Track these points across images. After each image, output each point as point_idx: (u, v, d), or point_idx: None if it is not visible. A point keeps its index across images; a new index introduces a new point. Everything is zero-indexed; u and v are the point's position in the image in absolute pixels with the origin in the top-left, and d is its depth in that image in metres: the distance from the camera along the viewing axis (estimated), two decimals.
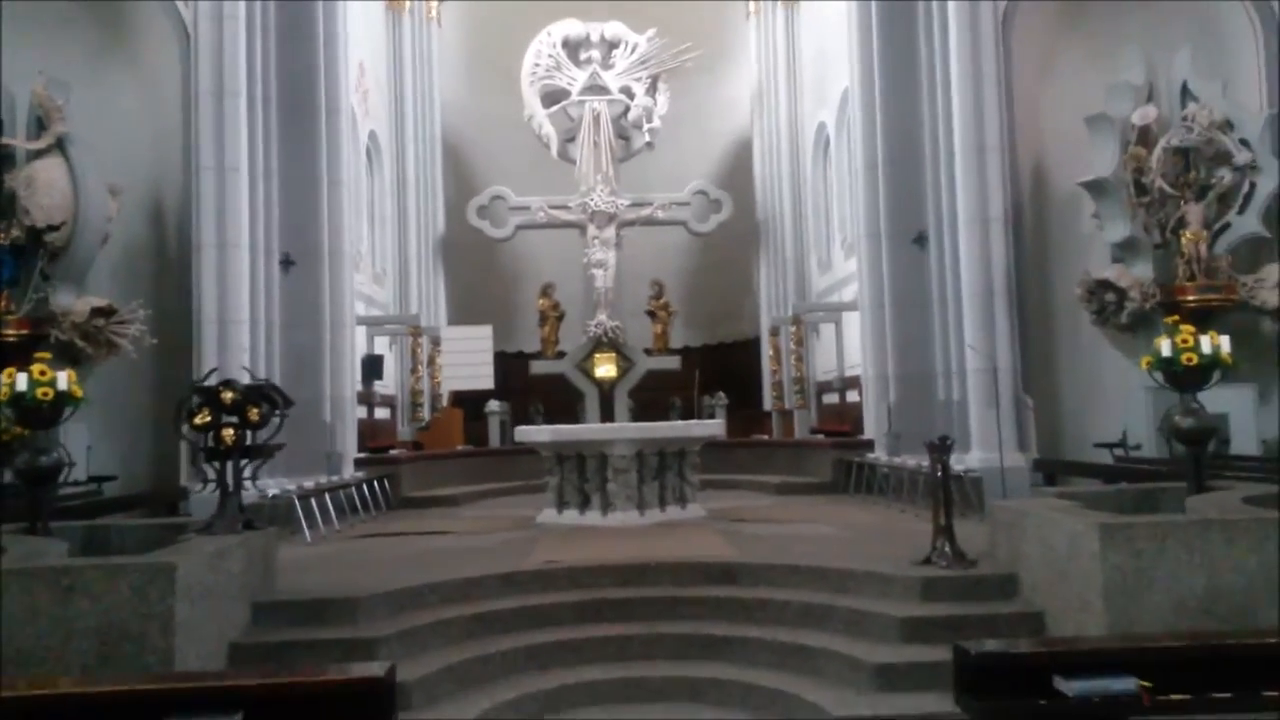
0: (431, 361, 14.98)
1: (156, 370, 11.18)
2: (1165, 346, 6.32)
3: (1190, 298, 11.01)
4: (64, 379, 5.87)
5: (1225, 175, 11.17)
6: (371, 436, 13.26)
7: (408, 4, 16.58)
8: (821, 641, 5.28)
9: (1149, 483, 7.19)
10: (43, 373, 5.88)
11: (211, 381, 6.15)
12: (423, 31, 16.72)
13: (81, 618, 4.45)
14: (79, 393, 5.99)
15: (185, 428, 5.86)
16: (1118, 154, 11.28)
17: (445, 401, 15.28)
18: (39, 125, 10.92)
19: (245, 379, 6.71)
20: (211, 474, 5.89)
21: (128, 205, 11.29)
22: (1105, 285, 11.10)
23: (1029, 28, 12.13)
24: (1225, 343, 6.43)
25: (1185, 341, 6.23)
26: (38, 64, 10.94)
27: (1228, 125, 11.20)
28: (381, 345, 15.03)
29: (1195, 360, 6.22)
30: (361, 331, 13.60)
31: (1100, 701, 2.50)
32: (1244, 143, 11.13)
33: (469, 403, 15.76)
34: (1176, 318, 7.25)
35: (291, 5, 11.58)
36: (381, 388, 14.79)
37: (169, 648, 4.41)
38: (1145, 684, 2.55)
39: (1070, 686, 2.55)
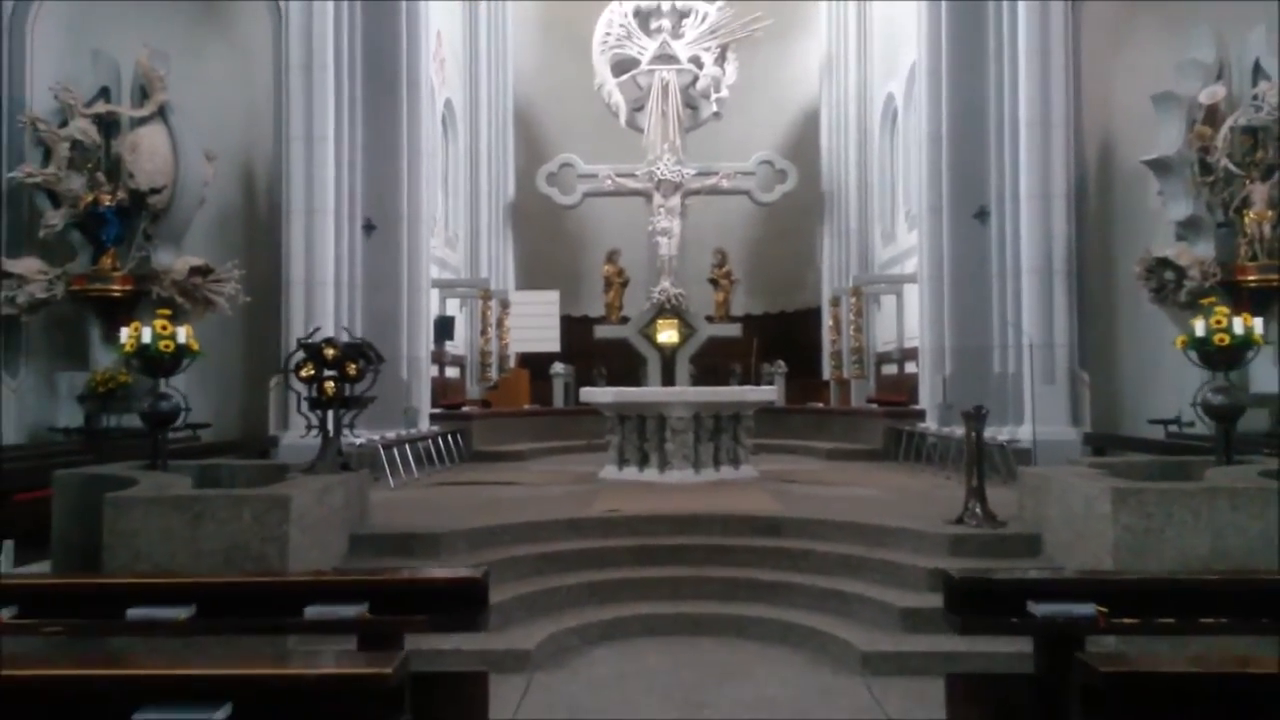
0: (500, 323, 15.77)
1: (246, 327, 12.11)
2: (1199, 327, 6.70)
3: (1251, 277, 11.14)
4: (183, 333, 6.70)
5: None
6: (442, 394, 14.12)
7: None
8: (856, 588, 5.91)
9: (1187, 456, 7.58)
10: (164, 327, 6.71)
11: (315, 339, 6.95)
12: (498, 3, 17.34)
13: (209, 539, 5.27)
14: (195, 346, 6.82)
15: (293, 378, 6.66)
16: (1183, 132, 11.42)
17: (513, 362, 16.08)
18: (142, 94, 11.87)
19: (345, 337, 7.46)
20: (314, 421, 6.70)
21: (221, 171, 12.20)
22: (1165, 263, 11.28)
23: (1102, 3, 12.27)
24: (1259, 324, 6.78)
25: (1219, 322, 6.60)
26: (140, 36, 11.87)
27: None
28: (452, 307, 15.87)
29: (1228, 340, 6.59)
30: (434, 294, 14.43)
31: (1063, 622, 3.08)
32: None
33: (535, 364, 16.58)
34: (1213, 299, 7.58)
35: None
36: (452, 348, 15.64)
37: (284, 568, 5.21)
38: (1103, 609, 3.12)
39: (1039, 609, 3.13)
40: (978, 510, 6.42)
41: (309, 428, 6.77)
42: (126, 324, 11.77)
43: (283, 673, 2.24)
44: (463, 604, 3.12)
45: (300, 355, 6.64)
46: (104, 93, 11.88)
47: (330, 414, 6.61)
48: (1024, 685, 2.99)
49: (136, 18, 11.98)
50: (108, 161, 11.73)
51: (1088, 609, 3.12)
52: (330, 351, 6.51)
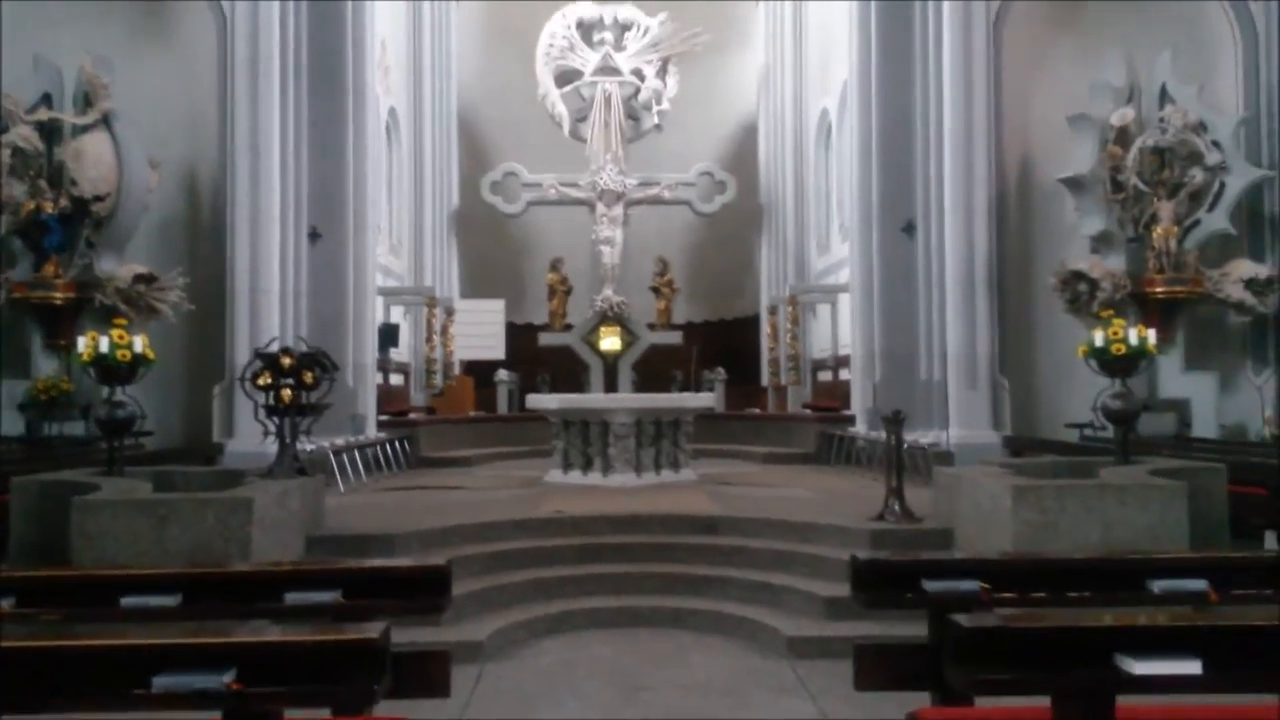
0: (444, 331, 16.09)
1: (189, 335, 12.24)
2: (1099, 337, 7.37)
3: (1159, 289, 12.00)
4: (139, 342, 6.97)
5: (1197, 175, 12.04)
6: (387, 401, 14.39)
7: None
8: (785, 581, 6.43)
9: (1094, 456, 8.26)
10: (121, 336, 6.97)
11: (271, 349, 7.27)
12: (442, 9, 17.69)
13: (174, 541, 5.59)
14: (151, 355, 7.10)
15: (249, 386, 6.98)
16: (1096, 152, 12.23)
17: (457, 370, 16.41)
18: (85, 101, 11.98)
19: (301, 347, 7.77)
20: (271, 427, 7.02)
21: (164, 177, 12.32)
22: (1079, 276, 12.06)
23: (1021, 26, 13.02)
24: (1152, 335, 7.48)
25: (1115, 333, 7.28)
26: (80, 40, 11.97)
27: (1201, 127, 12.07)
28: (396, 315, 16.14)
29: (1124, 350, 7.27)
30: (379, 301, 14.69)
31: (951, 597, 3.60)
32: (1216, 144, 12.01)
33: (479, 371, 16.90)
34: (1110, 312, 8.30)
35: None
36: (396, 355, 15.91)
37: None
38: (985, 586, 3.66)
39: (931, 586, 3.65)
40: (896, 508, 7.00)
41: (266, 434, 7.09)
42: (68, 332, 12.00)
43: (281, 639, 2.65)
44: (428, 590, 3.54)
45: (258, 364, 6.96)
46: (45, 99, 11.95)
47: (287, 421, 6.95)
48: (918, 653, 3.50)
49: (77, 22, 12.08)
50: (50, 168, 11.81)
51: (973, 585, 3.66)
52: (287, 360, 6.85)
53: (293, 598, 3.48)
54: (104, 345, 6.88)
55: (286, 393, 6.81)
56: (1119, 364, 7.34)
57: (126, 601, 3.47)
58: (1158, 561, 3.73)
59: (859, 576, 3.69)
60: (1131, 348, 7.28)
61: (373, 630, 2.65)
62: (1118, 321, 7.42)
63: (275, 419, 6.96)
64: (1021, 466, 7.21)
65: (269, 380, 6.83)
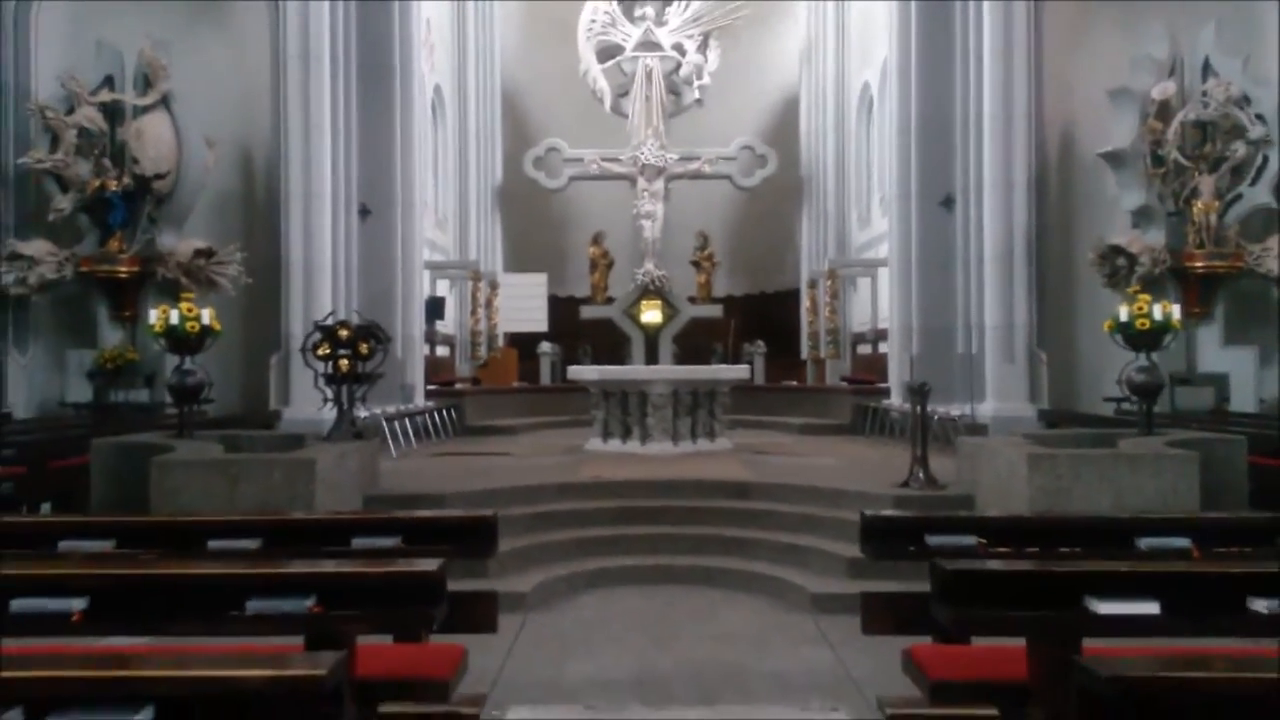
0: (489, 304, 16.61)
1: (245, 307, 12.84)
2: (1123, 313, 7.63)
3: (1198, 264, 12.12)
4: (206, 315, 7.52)
5: (1240, 148, 12.10)
6: (433, 372, 14.96)
7: None
8: (811, 542, 6.84)
9: (1121, 429, 8.53)
10: (190, 309, 7.53)
11: (329, 322, 7.80)
12: None
13: (244, 497, 6.14)
14: (218, 326, 7.66)
15: (309, 356, 7.52)
16: (1137, 126, 12.32)
17: (501, 342, 16.95)
18: (145, 82, 12.60)
19: (355, 319, 8.29)
20: (330, 395, 7.55)
21: (220, 157, 12.92)
22: (1117, 250, 12.20)
23: (1062, 1, 13.12)
24: (1176, 310, 7.72)
25: (1140, 308, 7.53)
26: (140, 27, 12.58)
27: (1245, 100, 12.12)
28: (442, 288, 16.70)
29: (1148, 325, 7.53)
30: (425, 274, 15.23)
31: (951, 549, 3.98)
32: (1259, 118, 12.06)
33: (522, 343, 17.43)
34: (1137, 287, 8.52)
35: None
36: (442, 327, 16.47)
37: None
38: (983, 540, 4.04)
39: (933, 540, 4.04)
40: (921, 475, 7.36)
41: (324, 401, 7.63)
42: (132, 304, 12.67)
43: (355, 570, 3.12)
44: (478, 538, 4.01)
45: (317, 336, 7.49)
46: (108, 81, 12.59)
47: (344, 389, 7.48)
48: (918, 600, 3.89)
49: (137, 9, 12.66)
50: (113, 148, 12.47)
51: (970, 540, 4.04)
52: (344, 332, 7.37)
53: (359, 542, 3.96)
54: (174, 317, 7.44)
55: (344, 362, 7.33)
56: (1144, 338, 7.60)
57: (213, 544, 3.98)
58: (1146, 522, 4.08)
59: (868, 532, 4.09)
60: (1156, 323, 7.53)
61: (432, 565, 3.13)
62: (1142, 297, 7.66)
63: (333, 387, 7.49)
64: (1043, 437, 7.53)
65: (328, 350, 7.36)
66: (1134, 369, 7.68)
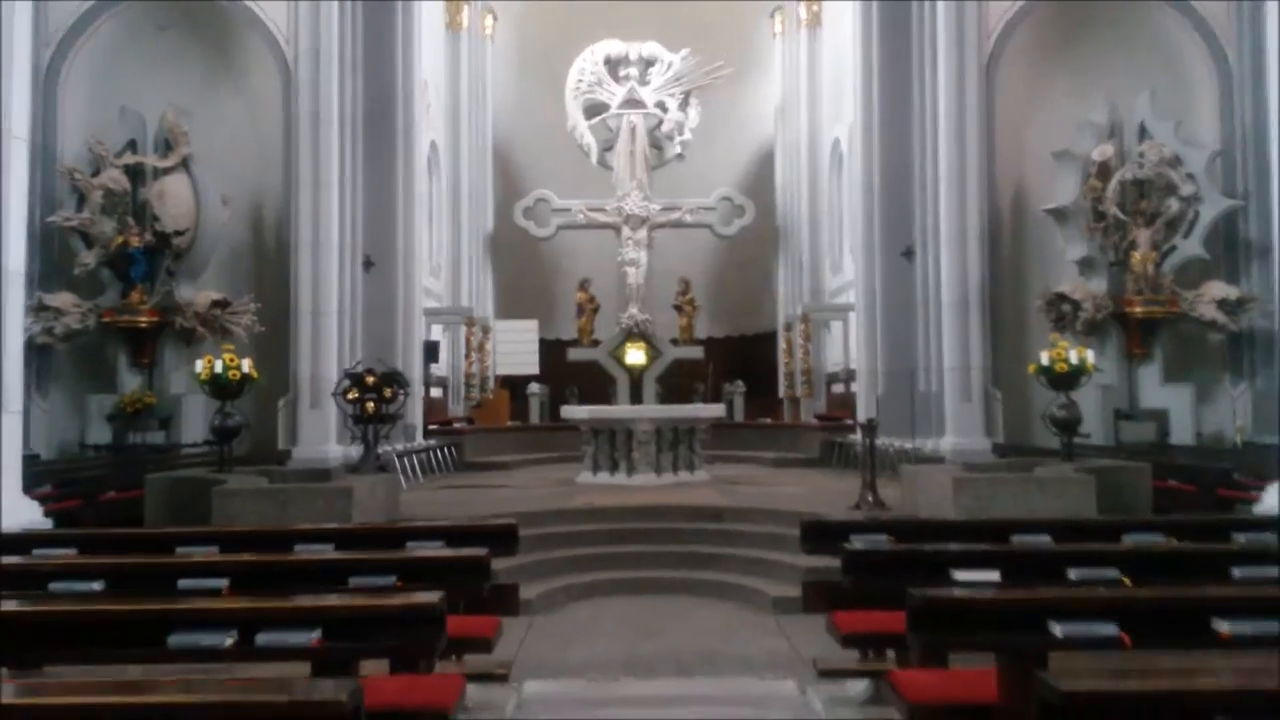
0: (481, 347, 18.01)
1: (254, 352, 14.12)
2: (1044, 357, 9.09)
3: (1137, 309, 13.62)
4: (246, 364, 8.87)
5: (1173, 204, 13.66)
6: (428, 412, 16.29)
7: (465, 24, 19.54)
8: (775, 556, 8.20)
9: (1050, 459, 9.97)
10: (231, 359, 8.88)
11: (357, 370, 9.17)
12: (478, 48, 19.70)
13: (293, 520, 7.45)
14: (256, 375, 9.00)
15: (340, 399, 8.86)
16: (1079, 184, 13.90)
17: (493, 383, 18.33)
18: (166, 145, 14.02)
19: (380, 368, 9.67)
20: (357, 434, 8.90)
21: (233, 212, 14.31)
22: (1062, 297, 13.71)
23: (1014, 66, 14.69)
24: (1090, 355, 9.20)
25: (1058, 354, 9.00)
26: (160, 92, 14.02)
27: (1177, 160, 13.68)
28: (436, 332, 18.08)
29: (1065, 368, 8.99)
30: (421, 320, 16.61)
31: (866, 547, 5.37)
32: (1190, 176, 13.63)
33: (513, 385, 18.81)
34: (1055, 335, 10.01)
35: (376, 44, 14.53)
36: (435, 370, 17.84)
37: None
38: (891, 537, 5.43)
39: (854, 540, 5.42)
40: (870, 498, 8.76)
41: (353, 439, 8.97)
42: (150, 351, 13.97)
43: (433, 555, 4.49)
44: (505, 539, 5.37)
45: (346, 382, 8.85)
46: (131, 144, 14.00)
47: (370, 428, 8.83)
48: (837, 586, 5.27)
49: (157, 75, 14.11)
50: (135, 206, 13.84)
51: (881, 538, 5.44)
52: (370, 379, 8.73)
53: (413, 544, 5.32)
54: (218, 366, 8.78)
55: (370, 405, 8.68)
56: (1062, 380, 9.06)
57: (300, 548, 5.32)
58: (1014, 523, 5.49)
59: (806, 533, 5.49)
60: (1072, 366, 8.99)
61: (481, 551, 4.50)
62: (1061, 344, 9.13)
63: (360, 426, 8.84)
64: (975, 465, 8.94)
65: (356, 395, 8.71)
66: (1055, 406, 9.14)
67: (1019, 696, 3.35)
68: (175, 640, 3.38)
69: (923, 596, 3.64)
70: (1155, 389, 13.91)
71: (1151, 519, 6.16)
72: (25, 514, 7.15)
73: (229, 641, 3.40)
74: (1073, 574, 4.50)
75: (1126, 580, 4.40)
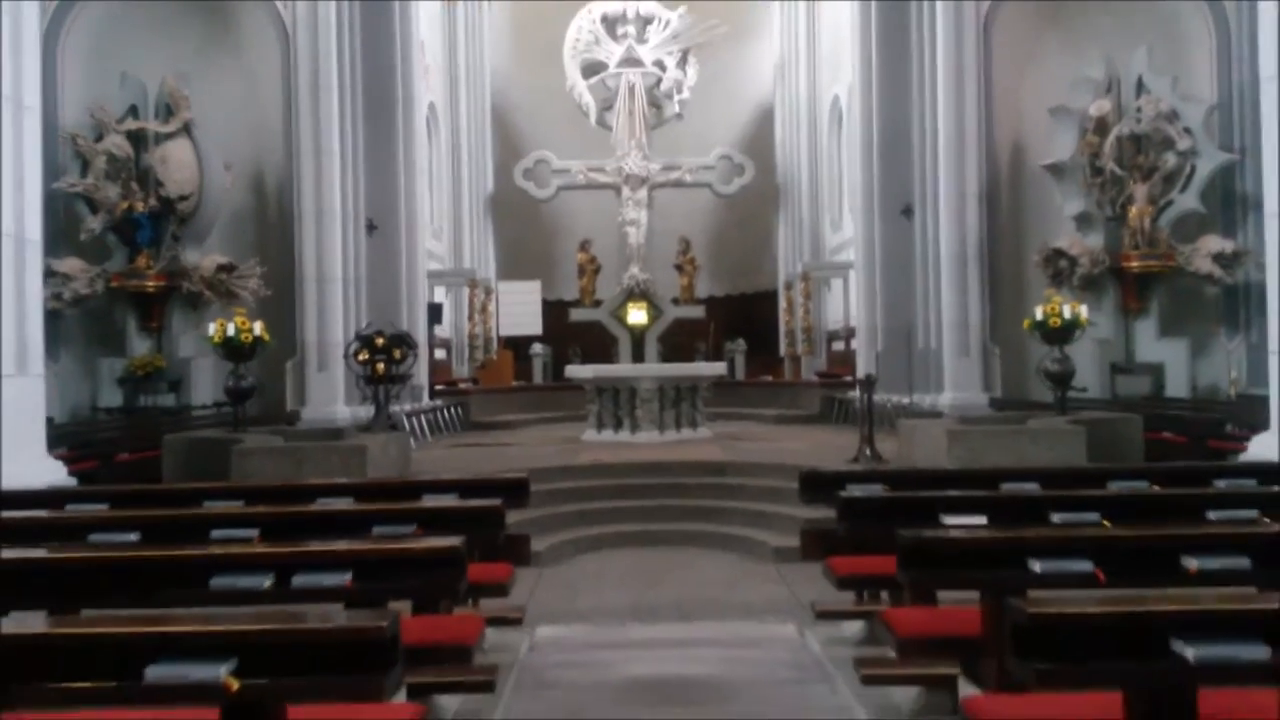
0: (484, 309, 18.25)
1: (259, 316, 14.36)
2: (1038, 312, 9.33)
3: (1134, 264, 13.82)
4: (258, 327, 9.12)
5: (1170, 159, 13.80)
6: (433, 374, 16.57)
7: None
8: (774, 509, 8.51)
9: (1043, 412, 10.25)
10: (243, 323, 9.12)
11: (367, 332, 9.42)
12: (475, 9, 19.72)
13: (308, 478, 7.73)
14: (267, 337, 9.25)
15: (352, 361, 9.12)
16: (1076, 140, 14.04)
17: (496, 344, 18.61)
18: (167, 111, 14.16)
19: (390, 330, 9.93)
20: (368, 394, 9.17)
21: (236, 178, 14.48)
22: (1060, 253, 13.90)
23: (1011, 24, 14.79)
24: (1084, 310, 9.44)
25: (1052, 309, 9.24)
26: (159, 58, 14.12)
27: (1174, 115, 13.79)
28: (439, 294, 18.30)
29: (1059, 323, 9.24)
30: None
31: (867, 499, 5.64)
32: (1187, 130, 13.75)
33: (517, 345, 19.08)
34: (1050, 291, 10.23)
35: (373, 9, 14.62)
36: (439, 331, 18.09)
37: None
38: (885, 486, 5.71)
39: (849, 489, 5.70)
40: (867, 452, 9.05)
41: (364, 399, 9.25)
42: (158, 315, 14.20)
43: (453, 505, 4.76)
44: (518, 491, 5.64)
45: (357, 343, 9.11)
46: (132, 110, 14.12)
47: (381, 388, 9.10)
48: (833, 533, 5.55)
49: (157, 41, 14.20)
50: (139, 172, 14.01)
51: (876, 488, 5.72)
52: (380, 340, 8.99)
53: (429, 498, 5.59)
54: (231, 329, 9.03)
55: (380, 366, 8.95)
56: (1056, 334, 9.31)
57: (321, 501, 5.60)
58: (1005, 472, 5.76)
59: (804, 483, 5.75)
60: (1065, 321, 9.23)
61: (496, 502, 4.78)
62: (1056, 299, 9.36)
63: (371, 386, 9.11)
64: (969, 419, 9.22)
65: (366, 356, 8.97)
66: (1049, 360, 9.40)
67: (998, 627, 3.62)
68: (217, 582, 3.66)
69: (912, 537, 3.91)
70: (1151, 343, 14.14)
71: (1136, 467, 6.43)
72: (50, 474, 7.41)
73: (267, 583, 3.67)
74: (1056, 518, 4.76)
75: (1106, 523, 4.66)
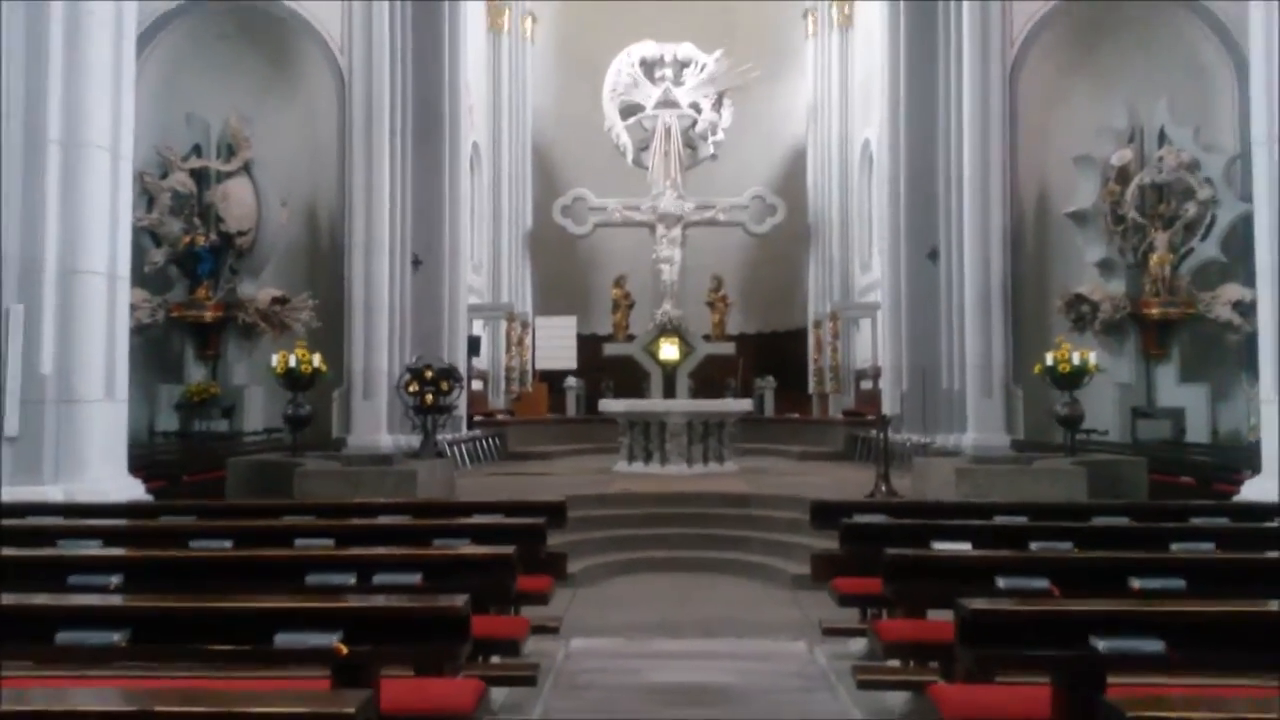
0: (520, 342, 19.16)
1: (310, 348, 15.33)
2: (1049, 358, 10.03)
3: (1154, 311, 14.42)
4: (317, 359, 10.03)
5: (1191, 208, 14.45)
6: (470, 405, 17.46)
7: (506, 26, 20.67)
8: (794, 539, 9.23)
9: (1054, 454, 10.91)
10: (304, 354, 10.03)
11: (418, 365, 10.32)
12: (518, 50, 20.83)
13: (366, 499, 8.58)
14: (325, 368, 10.16)
15: (402, 392, 10.00)
16: (1099, 188, 14.72)
17: (532, 377, 19.50)
18: (229, 150, 15.24)
19: (439, 364, 10.82)
20: (417, 423, 10.03)
21: (290, 213, 15.51)
22: (1081, 299, 14.55)
23: (1037, 71, 15.50)
24: (1093, 356, 10.12)
25: (1062, 355, 9.93)
26: (220, 99, 15.21)
27: (1195, 165, 14.44)
28: (476, 327, 19.24)
29: (1069, 369, 9.92)
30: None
31: (868, 525, 6.38)
32: (1208, 180, 14.40)
33: (550, 378, 19.95)
34: (1060, 338, 10.91)
35: (424, 51, 15.68)
36: (476, 363, 19.00)
37: None
38: (889, 516, 6.44)
39: (854, 519, 6.44)
40: (883, 487, 9.77)
41: (413, 428, 10.11)
42: (215, 344, 15.19)
43: (498, 522, 5.57)
44: (557, 514, 6.44)
45: (407, 375, 10.00)
46: (196, 149, 15.22)
47: (429, 418, 9.97)
48: (840, 557, 6.28)
49: (219, 83, 15.30)
50: (201, 207, 15.08)
51: (881, 517, 6.46)
52: (429, 373, 9.86)
53: (478, 517, 6.40)
54: (292, 361, 9.94)
55: (429, 397, 9.81)
56: (1066, 379, 9.99)
57: (382, 517, 6.43)
58: (994, 506, 6.48)
59: (814, 512, 6.52)
60: (1075, 367, 9.92)
61: (539, 520, 5.59)
62: (1065, 346, 10.05)
63: (420, 416, 9.99)
64: (980, 458, 9.91)
65: (416, 388, 9.85)
66: (1059, 404, 10.07)
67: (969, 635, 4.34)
68: (311, 579, 4.49)
69: (895, 556, 4.67)
70: (1172, 388, 14.68)
71: (1120, 504, 7.11)
72: (131, 490, 8.30)
73: (352, 580, 4.49)
74: (1033, 546, 5.48)
75: (1078, 551, 5.38)
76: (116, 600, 3.93)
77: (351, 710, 2.32)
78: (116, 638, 3.50)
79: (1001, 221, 14.97)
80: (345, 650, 3.46)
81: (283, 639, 3.47)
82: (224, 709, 2.36)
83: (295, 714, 2.37)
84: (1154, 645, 3.43)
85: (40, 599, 3.90)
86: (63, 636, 3.52)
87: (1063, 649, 3.46)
